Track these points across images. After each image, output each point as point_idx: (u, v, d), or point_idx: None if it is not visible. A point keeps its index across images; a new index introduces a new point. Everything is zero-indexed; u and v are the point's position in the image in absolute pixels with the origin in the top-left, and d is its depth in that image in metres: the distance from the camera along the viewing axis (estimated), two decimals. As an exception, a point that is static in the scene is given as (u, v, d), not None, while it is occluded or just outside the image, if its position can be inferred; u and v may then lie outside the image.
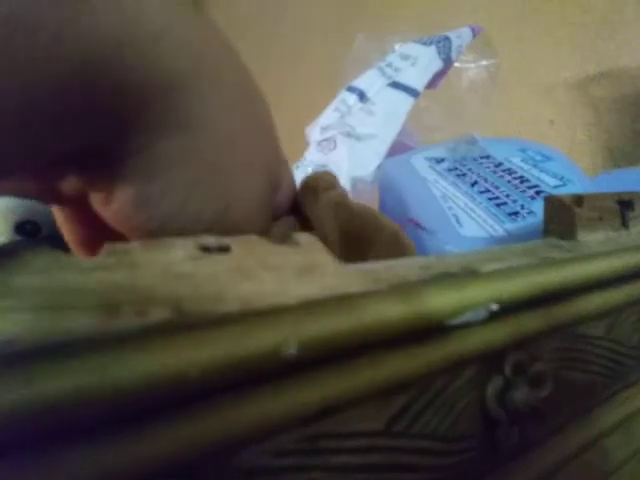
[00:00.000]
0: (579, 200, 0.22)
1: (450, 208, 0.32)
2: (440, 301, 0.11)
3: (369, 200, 0.41)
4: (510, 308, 0.13)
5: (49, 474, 0.06)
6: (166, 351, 0.07)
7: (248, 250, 0.11)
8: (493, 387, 0.13)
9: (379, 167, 0.40)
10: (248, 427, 0.08)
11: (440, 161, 0.38)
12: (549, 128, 0.78)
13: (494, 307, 0.12)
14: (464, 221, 0.31)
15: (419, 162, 0.38)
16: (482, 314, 0.12)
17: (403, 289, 0.11)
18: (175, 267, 0.10)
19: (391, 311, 0.10)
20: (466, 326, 0.12)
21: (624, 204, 0.25)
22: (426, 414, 0.11)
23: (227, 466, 0.08)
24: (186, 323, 0.08)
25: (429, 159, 0.38)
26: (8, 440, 0.06)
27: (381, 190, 0.39)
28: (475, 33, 0.52)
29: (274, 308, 0.09)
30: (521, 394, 0.14)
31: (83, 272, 0.09)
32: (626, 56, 0.73)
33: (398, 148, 0.45)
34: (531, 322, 0.14)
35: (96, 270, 0.09)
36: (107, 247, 0.09)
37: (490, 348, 0.13)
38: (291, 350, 0.09)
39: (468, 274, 0.13)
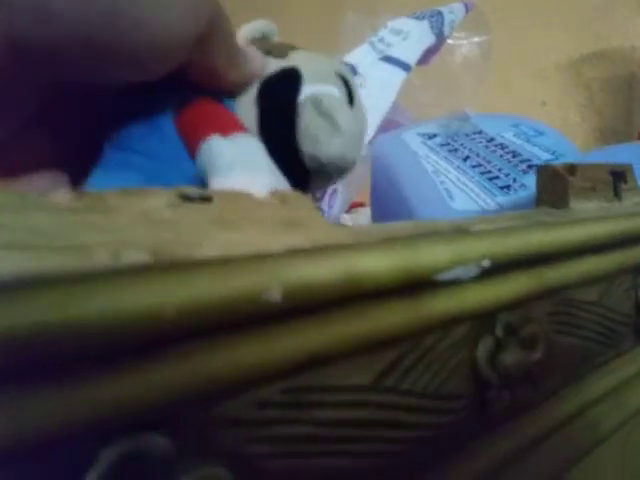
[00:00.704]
0: (572, 169, 0.22)
1: (442, 182, 0.32)
2: (430, 255, 0.11)
3: (360, 175, 0.41)
4: (501, 267, 0.13)
5: (9, 412, 0.06)
6: (139, 290, 0.07)
7: (231, 202, 0.11)
8: (484, 347, 0.13)
9: (371, 142, 0.40)
10: (230, 375, 0.08)
11: (432, 137, 0.38)
12: (541, 109, 0.77)
13: (485, 263, 0.12)
14: (456, 195, 0.30)
15: (411, 138, 0.38)
16: (473, 271, 0.12)
17: (392, 242, 0.11)
18: (153, 213, 0.09)
19: (379, 263, 0.10)
20: (457, 282, 0.12)
21: (617, 175, 0.25)
22: (416, 371, 0.11)
23: (206, 416, 0.08)
24: (162, 265, 0.08)
25: (421, 135, 0.38)
26: None
27: (373, 165, 0.39)
28: (468, 9, 0.51)
29: (257, 254, 0.09)
30: (513, 356, 0.14)
31: (54, 213, 0.08)
32: (619, 36, 0.73)
33: (391, 126, 0.44)
34: (523, 283, 0.14)
35: (67, 212, 0.08)
36: (77, 192, 0.09)
37: (481, 307, 0.13)
38: (275, 296, 0.08)
39: (459, 232, 0.13)
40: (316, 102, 0.18)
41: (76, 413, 0.07)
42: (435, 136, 0.38)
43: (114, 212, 0.09)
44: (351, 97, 0.21)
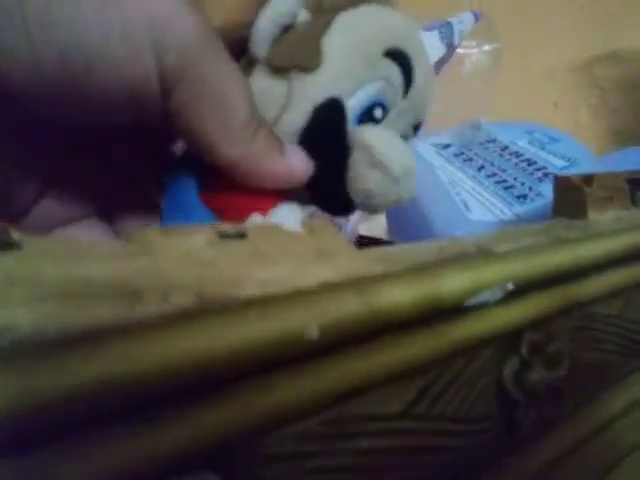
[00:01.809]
0: (589, 179, 0.22)
1: (458, 193, 0.32)
2: (456, 282, 0.11)
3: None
4: (526, 287, 0.13)
5: (76, 460, 0.06)
6: (191, 335, 0.07)
7: (264, 236, 0.11)
8: (510, 368, 0.13)
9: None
10: (274, 412, 0.08)
11: (446, 147, 0.38)
12: (553, 111, 0.77)
13: (510, 286, 0.12)
14: (472, 205, 0.31)
15: (425, 149, 0.38)
16: (498, 294, 0.12)
17: (419, 271, 0.11)
18: (195, 253, 0.10)
19: (407, 293, 0.10)
20: (483, 307, 0.12)
21: (634, 183, 0.25)
22: (445, 396, 0.12)
23: (254, 452, 0.08)
24: (209, 308, 0.08)
25: (435, 145, 0.38)
26: (39, 426, 0.06)
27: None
28: (477, 18, 0.51)
29: (295, 292, 0.09)
30: (538, 374, 0.14)
31: (105, 261, 0.09)
32: (631, 37, 0.72)
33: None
34: (546, 301, 0.14)
35: (117, 258, 0.09)
36: (128, 235, 0.09)
37: (507, 328, 0.13)
38: (314, 333, 0.09)
39: (483, 254, 0.13)
40: (366, 150, 0.16)
41: (136, 453, 0.07)
42: (449, 146, 0.38)
43: (159, 254, 0.09)
44: (411, 75, 0.18)
